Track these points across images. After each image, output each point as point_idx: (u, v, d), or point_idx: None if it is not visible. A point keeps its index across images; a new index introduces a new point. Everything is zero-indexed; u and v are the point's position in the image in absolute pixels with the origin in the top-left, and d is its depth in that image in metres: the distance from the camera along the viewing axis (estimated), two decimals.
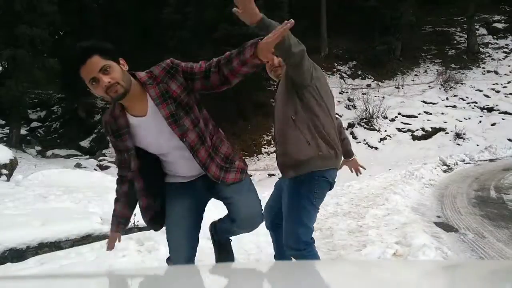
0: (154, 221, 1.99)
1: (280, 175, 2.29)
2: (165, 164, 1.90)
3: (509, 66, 20.26)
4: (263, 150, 17.54)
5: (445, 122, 17.02)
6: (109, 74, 1.58)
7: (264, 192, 11.28)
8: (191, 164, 1.81)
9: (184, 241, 1.92)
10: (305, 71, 2.01)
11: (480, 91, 18.89)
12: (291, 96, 2.13)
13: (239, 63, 1.66)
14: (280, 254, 2.48)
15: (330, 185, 2.19)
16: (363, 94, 19.01)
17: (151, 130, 1.74)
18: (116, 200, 2.01)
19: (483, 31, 22.95)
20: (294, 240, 2.13)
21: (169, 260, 2.07)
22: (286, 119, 2.14)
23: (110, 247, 2.07)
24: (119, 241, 2.08)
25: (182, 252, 1.93)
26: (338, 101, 18.03)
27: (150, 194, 1.90)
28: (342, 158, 2.44)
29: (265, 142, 17.84)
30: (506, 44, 21.80)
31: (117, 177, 1.96)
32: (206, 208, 2.09)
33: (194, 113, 1.76)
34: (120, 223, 2.03)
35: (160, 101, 1.69)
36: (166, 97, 1.69)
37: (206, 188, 1.92)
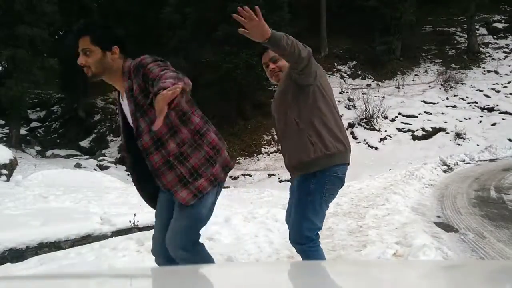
0: (151, 201, 1.99)
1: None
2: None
3: (509, 66, 20.26)
4: (263, 150, 17.53)
5: (445, 122, 17.02)
6: (87, 56, 1.73)
7: (264, 192, 11.30)
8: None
9: (158, 234, 1.92)
10: (312, 72, 2.03)
11: (481, 91, 18.89)
12: (293, 98, 2.11)
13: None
14: None
15: (341, 181, 2.15)
16: (363, 94, 19.01)
17: (126, 109, 1.82)
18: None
19: (483, 31, 22.94)
20: (296, 233, 2.12)
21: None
22: (290, 121, 2.12)
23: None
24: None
25: (156, 244, 1.93)
26: (338, 101, 18.03)
27: (143, 187, 1.94)
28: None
29: (265, 142, 17.83)
30: (506, 44, 21.79)
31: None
32: None
33: (150, 116, 1.70)
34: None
35: (128, 96, 1.76)
36: (130, 94, 1.75)
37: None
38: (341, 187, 2.20)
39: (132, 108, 1.73)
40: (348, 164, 2.18)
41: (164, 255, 1.88)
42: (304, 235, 2.10)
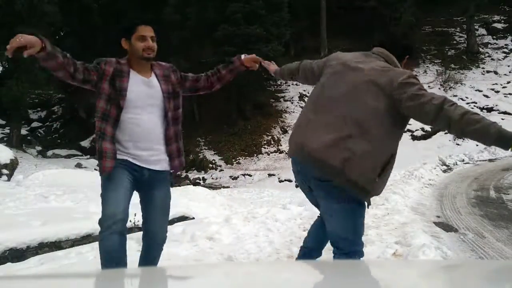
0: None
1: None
2: (128, 129, 2.07)
3: (508, 66, 20.26)
4: (263, 150, 17.54)
5: None
6: (154, 42, 2.16)
7: (264, 192, 11.25)
8: (149, 134, 2.09)
9: (123, 201, 2.09)
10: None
11: (480, 91, 18.90)
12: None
13: (228, 71, 2.35)
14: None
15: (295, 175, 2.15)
16: None
17: (143, 86, 2.11)
18: (73, 63, 2.10)
19: (482, 31, 22.95)
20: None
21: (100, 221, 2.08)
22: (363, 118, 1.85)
23: (15, 43, 1.91)
24: (31, 44, 1.98)
25: (118, 208, 2.08)
26: None
27: (111, 141, 2.07)
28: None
29: (265, 142, 17.84)
30: (506, 44, 21.80)
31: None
32: None
33: (176, 100, 2.21)
34: (50, 45, 2.05)
35: (163, 80, 2.17)
36: (165, 78, 2.18)
37: (146, 180, 2.14)
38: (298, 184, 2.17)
39: (166, 89, 2.15)
40: (292, 159, 2.07)
41: (124, 219, 2.06)
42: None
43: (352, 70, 1.93)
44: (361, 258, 2.09)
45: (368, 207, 2.00)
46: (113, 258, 2.01)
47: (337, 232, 2.03)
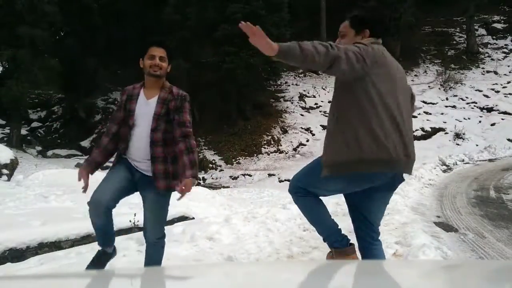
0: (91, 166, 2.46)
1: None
2: (130, 140, 2.39)
3: (508, 66, 20.27)
4: (263, 150, 17.53)
5: (445, 122, 17.04)
6: (162, 61, 2.35)
7: (264, 192, 11.25)
8: (141, 150, 2.35)
9: (110, 190, 2.35)
10: (346, 70, 1.79)
11: (480, 91, 18.90)
12: (338, 90, 1.98)
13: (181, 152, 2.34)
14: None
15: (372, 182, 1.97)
16: None
17: (142, 106, 2.37)
18: (95, 148, 2.49)
19: (482, 31, 22.95)
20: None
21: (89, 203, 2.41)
22: (331, 115, 2.01)
23: (85, 184, 2.41)
24: (90, 174, 2.44)
25: (104, 195, 2.36)
26: None
27: (113, 141, 2.45)
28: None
29: (265, 142, 17.83)
30: (506, 45, 21.80)
31: (105, 130, 2.54)
32: None
33: (166, 123, 2.37)
34: (91, 165, 2.46)
35: (161, 102, 2.37)
36: (163, 102, 2.37)
37: (135, 180, 2.40)
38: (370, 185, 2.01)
39: (158, 111, 2.33)
40: (393, 173, 1.95)
41: (107, 207, 2.34)
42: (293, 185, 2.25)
43: None
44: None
45: None
46: (98, 229, 2.44)
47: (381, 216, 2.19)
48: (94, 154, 2.46)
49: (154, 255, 2.44)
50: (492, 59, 20.98)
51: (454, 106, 18.29)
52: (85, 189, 2.40)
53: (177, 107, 2.35)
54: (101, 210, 2.33)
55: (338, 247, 2.15)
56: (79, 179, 2.41)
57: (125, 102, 2.39)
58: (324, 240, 2.22)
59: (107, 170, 2.49)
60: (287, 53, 1.73)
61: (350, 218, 2.23)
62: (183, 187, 2.22)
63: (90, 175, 2.43)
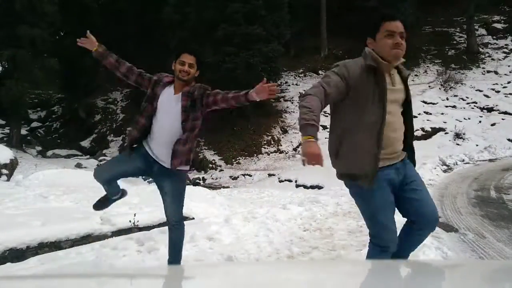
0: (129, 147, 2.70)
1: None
2: (153, 126, 2.64)
3: (508, 66, 20.25)
4: (263, 150, 17.53)
5: (445, 122, 17.02)
6: (191, 68, 2.62)
7: (264, 192, 11.27)
8: (162, 136, 2.60)
9: (116, 172, 2.73)
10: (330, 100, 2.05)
11: (480, 91, 18.88)
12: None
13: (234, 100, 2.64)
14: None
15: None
16: None
17: (169, 97, 2.64)
18: (126, 67, 2.76)
19: (482, 31, 22.93)
20: None
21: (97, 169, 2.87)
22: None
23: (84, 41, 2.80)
24: (91, 44, 2.80)
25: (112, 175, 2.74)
26: None
27: (142, 134, 2.68)
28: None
29: (265, 142, 17.83)
30: (506, 44, 21.79)
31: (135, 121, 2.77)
32: None
33: (195, 114, 2.65)
34: (103, 48, 2.82)
35: (185, 96, 2.63)
36: (188, 96, 2.63)
37: (154, 169, 2.66)
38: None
39: (184, 104, 2.59)
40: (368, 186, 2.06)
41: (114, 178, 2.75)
42: None
43: None
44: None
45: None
46: (102, 185, 2.77)
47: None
48: (110, 59, 2.74)
49: (174, 238, 2.73)
50: (493, 59, 20.96)
51: (454, 106, 18.28)
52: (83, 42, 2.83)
53: (201, 94, 2.62)
54: (101, 182, 2.73)
55: None
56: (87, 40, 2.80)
57: (154, 83, 2.66)
58: None
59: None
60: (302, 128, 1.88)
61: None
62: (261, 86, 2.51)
63: (93, 47, 2.81)
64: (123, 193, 2.96)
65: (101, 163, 17.90)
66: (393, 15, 2.04)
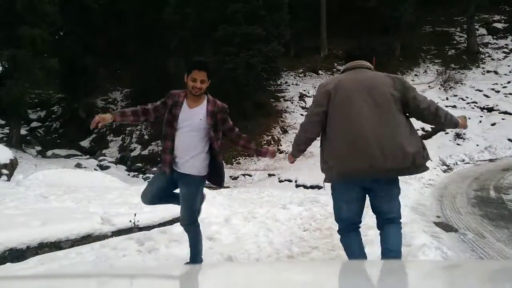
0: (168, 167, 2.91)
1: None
2: (174, 138, 2.86)
3: (508, 66, 20.25)
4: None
5: None
6: (202, 84, 2.81)
7: (264, 192, 11.23)
8: (184, 150, 2.84)
9: (152, 191, 2.99)
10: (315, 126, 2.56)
11: (480, 91, 18.88)
12: None
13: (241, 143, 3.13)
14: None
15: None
16: None
17: (189, 114, 2.85)
18: (128, 108, 2.96)
19: (482, 31, 22.94)
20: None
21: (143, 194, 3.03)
22: None
23: (95, 120, 2.71)
24: (106, 120, 2.75)
25: (148, 195, 2.99)
26: None
27: (170, 153, 2.88)
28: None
29: (265, 142, 17.82)
30: (506, 44, 21.78)
31: (144, 106, 2.95)
32: None
33: (216, 131, 2.93)
34: (119, 114, 2.87)
35: (209, 114, 2.87)
36: (211, 114, 2.87)
37: (176, 179, 2.91)
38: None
39: (209, 122, 2.83)
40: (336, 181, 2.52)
41: (152, 202, 3.04)
42: None
43: None
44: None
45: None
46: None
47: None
48: (128, 115, 2.88)
49: (189, 239, 2.98)
50: (493, 59, 20.96)
51: (454, 106, 18.28)
52: (92, 123, 2.72)
53: (223, 118, 2.92)
54: (146, 204, 3.04)
55: None
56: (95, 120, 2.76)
57: (171, 106, 2.87)
58: None
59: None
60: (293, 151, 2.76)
61: None
62: (268, 151, 3.13)
63: (110, 120, 2.79)
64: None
65: (101, 163, 17.92)
66: None
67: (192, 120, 2.81)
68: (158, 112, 2.93)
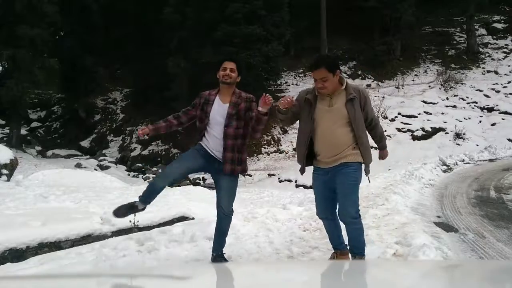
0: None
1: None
2: (207, 135, 3.10)
3: (508, 66, 20.25)
4: (263, 150, 17.53)
5: (445, 122, 17.02)
6: (232, 72, 3.10)
7: (264, 192, 11.16)
8: (217, 143, 3.05)
9: (177, 169, 3.16)
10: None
11: (480, 91, 18.88)
12: None
13: (255, 123, 3.06)
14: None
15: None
16: None
17: (218, 109, 3.07)
18: (162, 121, 3.18)
19: (482, 31, 22.94)
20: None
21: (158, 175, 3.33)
22: None
23: (143, 132, 3.08)
24: (148, 132, 3.09)
25: (171, 173, 3.13)
26: None
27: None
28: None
29: (265, 142, 17.82)
30: (506, 44, 21.79)
31: (176, 115, 3.22)
32: None
33: (239, 121, 3.07)
34: (155, 128, 3.13)
35: (233, 104, 3.07)
36: (235, 104, 3.07)
37: (214, 167, 3.10)
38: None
39: (231, 111, 3.02)
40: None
41: (174, 179, 3.17)
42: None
43: None
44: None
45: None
46: (151, 187, 3.06)
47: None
48: (161, 124, 3.13)
49: (223, 226, 3.16)
50: (493, 59, 20.96)
51: (454, 106, 18.28)
52: (143, 132, 3.08)
53: (247, 108, 3.06)
54: (168, 179, 3.06)
55: None
56: (143, 130, 3.09)
57: (203, 104, 3.09)
58: None
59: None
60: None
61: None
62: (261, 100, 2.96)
63: (147, 135, 3.11)
64: (145, 208, 3.12)
65: (101, 163, 17.91)
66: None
67: (224, 114, 3.02)
68: (189, 114, 3.15)
